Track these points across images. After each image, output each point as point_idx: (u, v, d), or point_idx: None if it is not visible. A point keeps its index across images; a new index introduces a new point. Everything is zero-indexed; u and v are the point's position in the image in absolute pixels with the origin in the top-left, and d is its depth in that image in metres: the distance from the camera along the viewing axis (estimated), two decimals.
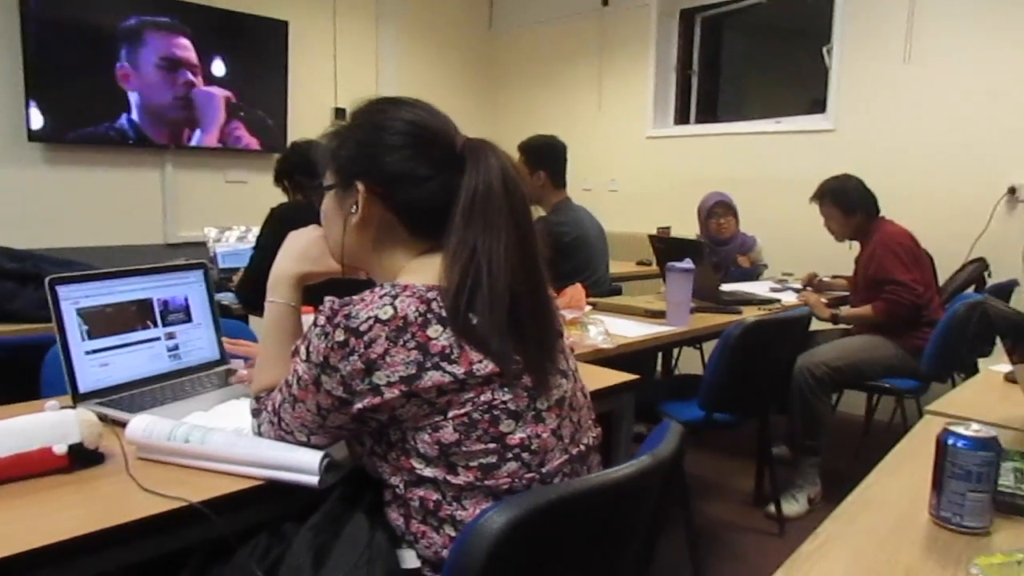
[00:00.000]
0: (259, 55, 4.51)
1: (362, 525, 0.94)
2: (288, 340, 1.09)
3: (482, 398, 0.93)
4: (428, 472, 0.94)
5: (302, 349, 0.97)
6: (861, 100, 4.07)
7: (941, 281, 3.36)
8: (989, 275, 3.46)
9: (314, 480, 0.98)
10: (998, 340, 1.51)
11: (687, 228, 4.01)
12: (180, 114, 4.25)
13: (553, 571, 0.92)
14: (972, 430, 0.88)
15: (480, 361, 0.93)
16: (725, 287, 3.23)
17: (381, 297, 0.94)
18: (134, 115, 4.08)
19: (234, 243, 3.54)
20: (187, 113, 4.28)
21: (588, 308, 2.30)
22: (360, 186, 1.04)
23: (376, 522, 0.97)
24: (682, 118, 5.12)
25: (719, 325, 2.47)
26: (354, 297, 0.95)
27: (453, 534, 0.94)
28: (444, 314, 0.94)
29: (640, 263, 4.45)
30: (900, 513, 0.94)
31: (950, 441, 0.88)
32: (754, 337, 2.27)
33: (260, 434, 1.07)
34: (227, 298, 2.70)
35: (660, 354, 3.65)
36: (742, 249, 3.80)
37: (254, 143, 4.54)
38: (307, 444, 1.01)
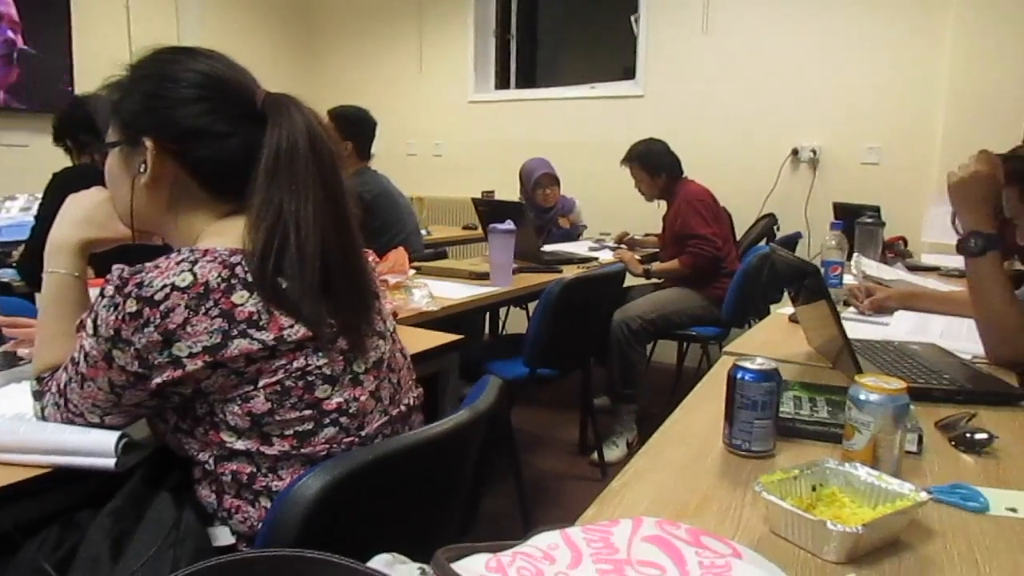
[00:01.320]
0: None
1: (167, 505, 0.89)
2: (72, 313, 0.99)
3: (295, 364, 0.90)
4: (240, 445, 0.90)
5: (88, 323, 0.89)
6: (666, 68, 4.31)
7: (738, 235, 3.67)
8: (778, 229, 3.83)
9: (110, 463, 0.90)
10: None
11: (511, 191, 4.08)
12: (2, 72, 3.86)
13: (376, 530, 0.91)
14: (757, 364, 0.97)
15: (291, 326, 0.89)
16: (547, 248, 3.34)
17: (179, 263, 0.88)
18: None
19: (17, 213, 3.19)
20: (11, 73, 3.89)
21: (412, 272, 2.29)
22: (149, 143, 0.96)
23: (184, 501, 0.91)
24: (503, 83, 5.17)
25: (541, 284, 2.54)
26: (147, 264, 0.88)
27: (269, 506, 0.90)
28: (250, 279, 0.89)
29: (466, 227, 4.49)
30: (699, 445, 1.02)
31: (738, 375, 0.97)
32: (573, 293, 2.37)
33: (44, 418, 0.97)
34: (7, 275, 2.49)
35: (488, 316, 3.72)
36: (562, 211, 3.94)
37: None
38: (101, 425, 0.93)
